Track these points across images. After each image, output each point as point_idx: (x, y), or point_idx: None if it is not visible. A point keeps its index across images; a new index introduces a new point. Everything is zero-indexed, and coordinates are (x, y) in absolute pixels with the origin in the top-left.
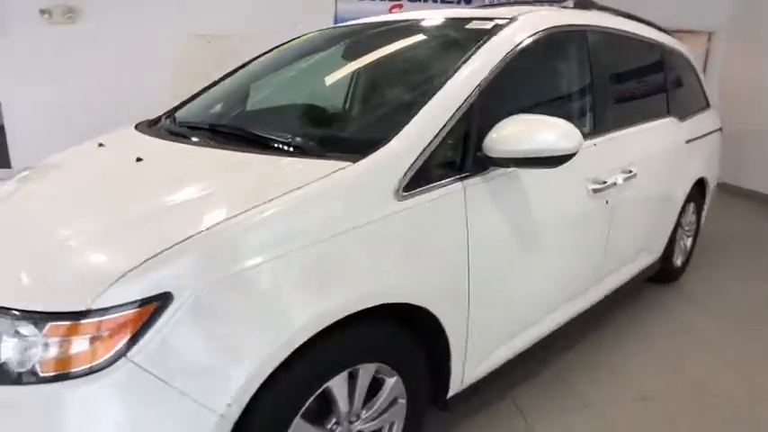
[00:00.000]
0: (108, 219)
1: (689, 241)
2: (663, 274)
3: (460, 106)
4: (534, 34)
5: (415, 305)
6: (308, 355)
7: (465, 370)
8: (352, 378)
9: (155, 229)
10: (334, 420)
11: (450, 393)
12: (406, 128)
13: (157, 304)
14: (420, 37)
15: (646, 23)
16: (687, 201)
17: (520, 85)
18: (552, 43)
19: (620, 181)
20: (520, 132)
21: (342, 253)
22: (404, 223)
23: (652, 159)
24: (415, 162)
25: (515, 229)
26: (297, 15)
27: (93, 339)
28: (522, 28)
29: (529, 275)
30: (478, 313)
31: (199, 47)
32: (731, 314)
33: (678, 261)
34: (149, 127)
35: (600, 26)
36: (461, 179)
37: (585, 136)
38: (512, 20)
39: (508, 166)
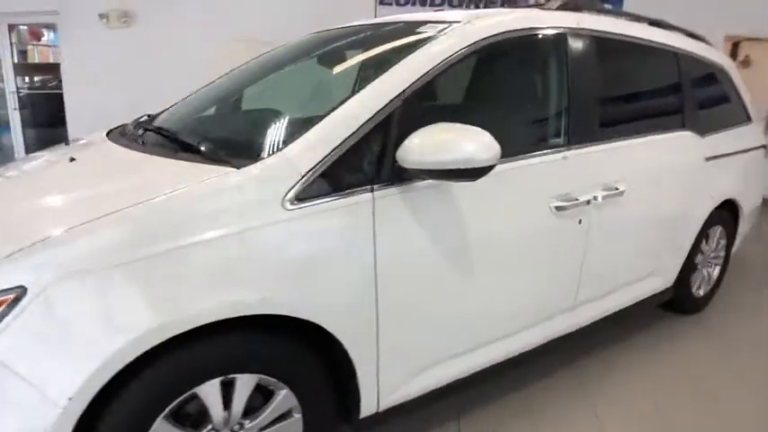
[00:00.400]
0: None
1: (715, 270)
2: (681, 304)
3: (376, 114)
4: (481, 40)
5: (305, 320)
6: (166, 360)
7: (380, 393)
8: (229, 386)
9: (25, 227)
10: (210, 426)
11: (364, 414)
12: (306, 135)
13: (12, 296)
14: (370, 43)
15: (666, 28)
16: (709, 224)
17: (459, 94)
18: (507, 49)
19: (598, 199)
20: (432, 142)
21: (202, 260)
22: (293, 233)
23: (651, 176)
24: (312, 170)
25: (443, 248)
26: (337, 22)
27: None
28: (468, 33)
29: (462, 300)
30: (392, 337)
31: (238, 50)
32: (748, 361)
33: (700, 291)
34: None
35: (587, 30)
36: (371, 190)
37: (553, 149)
38: (458, 24)
39: (422, 179)
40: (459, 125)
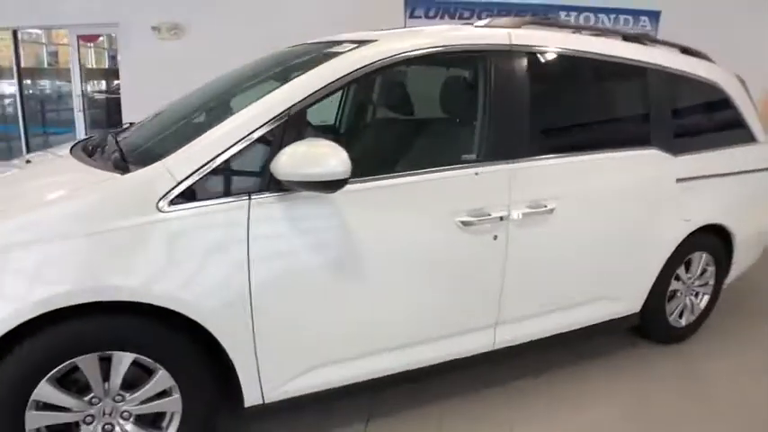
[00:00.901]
0: None
1: (702, 299)
2: (655, 333)
3: (259, 128)
4: (381, 60)
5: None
6: (47, 332)
7: (263, 387)
8: (108, 361)
9: None
10: (92, 394)
11: (249, 404)
12: (186, 146)
13: None
14: (293, 62)
15: (646, 43)
16: (689, 250)
17: (356, 111)
18: (411, 68)
19: (516, 216)
20: (300, 156)
21: (72, 250)
22: (167, 232)
23: (597, 195)
24: (188, 177)
25: (323, 256)
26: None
27: None
28: (368, 54)
29: (348, 308)
30: (270, 336)
31: None
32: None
33: (681, 320)
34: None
35: (518, 46)
36: (249, 198)
37: (462, 164)
38: (360, 44)
39: (295, 190)
40: (324, 141)
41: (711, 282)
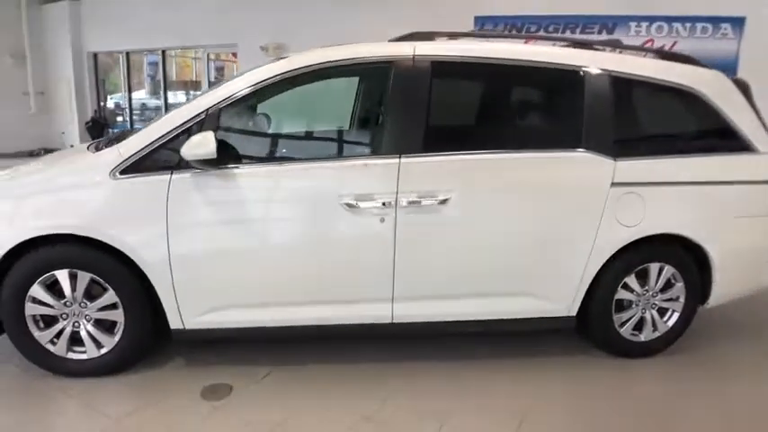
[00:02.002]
0: None
1: (669, 317)
2: (604, 342)
3: (184, 123)
4: (290, 71)
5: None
6: (39, 250)
7: (182, 316)
8: (75, 277)
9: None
10: (66, 299)
11: (173, 327)
12: (135, 134)
13: None
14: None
15: (612, 48)
16: (644, 259)
17: (272, 109)
18: (321, 76)
19: (404, 202)
20: (192, 142)
21: (60, 200)
22: (114, 192)
23: (503, 192)
24: (131, 157)
25: (221, 219)
26: None
27: None
28: (282, 65)
29: (242, 263)
30: (183, 277)
31: None
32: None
33: (640, 335)
34: None
35: (421, 56)
36: (171, 173)
37: (354, 157)
38: (281, 59)
39: (192, 167)
40: (209, 134)
41: (682, 299)
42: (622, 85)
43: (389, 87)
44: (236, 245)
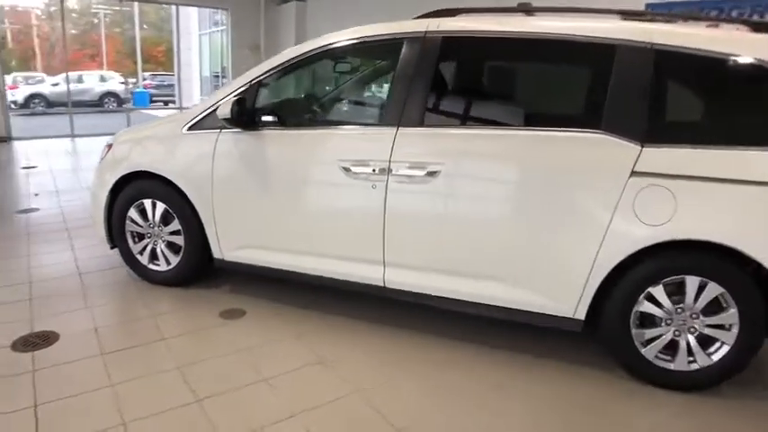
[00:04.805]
0: None
1: (718, 349)
2: (626, 362)
3: (232, 91)
4: (324, 46)
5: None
6: (132, 185)
7: (221, 248)
8: (155, 206)
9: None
10: (150, 222)
11: (215, 256)
12: (197, 104)
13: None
14: None
15: (650, 19)
16: (677, 270)
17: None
18: (346, 53)
19: (395, 170)
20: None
21: (149, 146)
22: (185, 142)
23: (497, 169)
24: (194, 118)
25: (249, 169)
26: None
27: None
28: (316, 42)
29: (261, 208)
30: (222, 214)
31: None
32: None
33: (670, 363)
34: None
35: (434, 32)
36: (219, 131)
37: (356, 125)
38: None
39: (228, 126)
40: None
41: (735, 329)
42: (668, 60)
43: (398, 62)
44: (254, 195)
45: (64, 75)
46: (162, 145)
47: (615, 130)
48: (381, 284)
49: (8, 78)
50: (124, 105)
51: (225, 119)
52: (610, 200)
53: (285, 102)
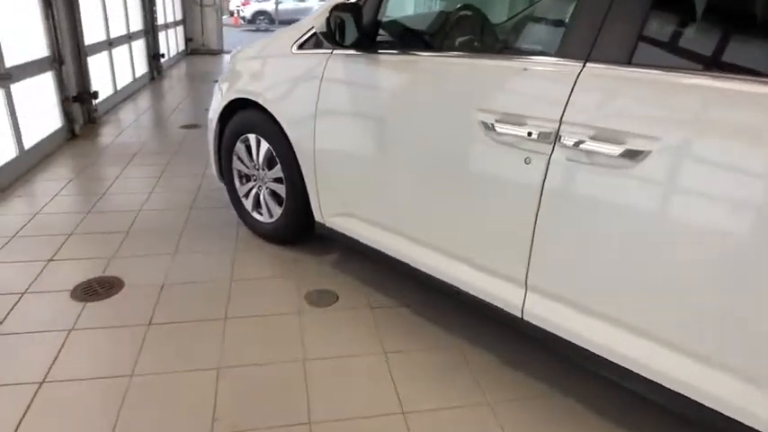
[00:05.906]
0: None
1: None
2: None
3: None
4: None
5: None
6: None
7: (322, 209)
8: (259, 144)
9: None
10: (255, 162)
11: (317, 219)
12: (303, 22)
13: None
14: None
15: None
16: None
17: None
18: None
19: (569, 142)
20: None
21: (255, 68)
22: (291, 64)
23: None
24: (301, 38)
25: (358, 109)
26: None
27: None
28: None
29: (372, 167)
30: (323, 160)
31: None
32: None
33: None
34: None
35: None
36: (330, 52)
37: (514, 54)
38: None
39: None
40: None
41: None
42: None
43: None
44: (363, 149)
45: None
46: (267, 66)
47: None
48: (517, 314)
49: None
50: None
51: (322, 33)
52: None
53: (419, 17)
